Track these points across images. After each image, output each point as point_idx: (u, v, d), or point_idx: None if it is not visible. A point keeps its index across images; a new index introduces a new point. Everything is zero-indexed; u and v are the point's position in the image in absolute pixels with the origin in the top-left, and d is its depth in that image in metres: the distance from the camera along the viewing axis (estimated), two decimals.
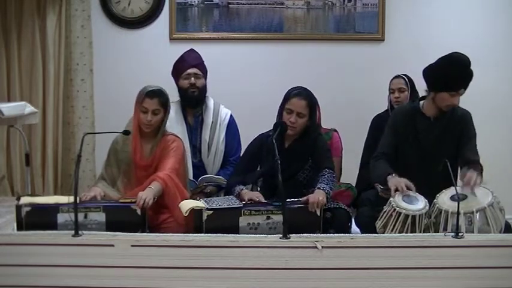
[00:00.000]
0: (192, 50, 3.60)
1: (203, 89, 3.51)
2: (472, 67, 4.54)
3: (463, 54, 2.95)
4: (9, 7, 4.49)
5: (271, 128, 3.03)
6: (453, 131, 2.96)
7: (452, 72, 2.91)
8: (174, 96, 3.50)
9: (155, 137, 3.07)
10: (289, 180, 2.88)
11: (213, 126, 3.52)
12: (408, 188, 2.78)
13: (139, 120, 3.03)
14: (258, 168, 3.10)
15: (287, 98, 3.01)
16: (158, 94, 3.02)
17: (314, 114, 3.06)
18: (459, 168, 2.94)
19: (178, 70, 3.52)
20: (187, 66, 3.48)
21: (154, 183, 2.86)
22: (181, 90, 3.50)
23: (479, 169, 2.83)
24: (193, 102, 3.50)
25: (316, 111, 3.13)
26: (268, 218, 2.69)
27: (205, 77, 3.53)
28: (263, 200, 2.80)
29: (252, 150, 3.12)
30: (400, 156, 3.04)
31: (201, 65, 3.52)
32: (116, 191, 3.03)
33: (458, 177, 2.89)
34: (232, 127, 3.57)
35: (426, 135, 2.98)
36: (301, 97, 2.98)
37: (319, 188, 2.80)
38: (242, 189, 2.92)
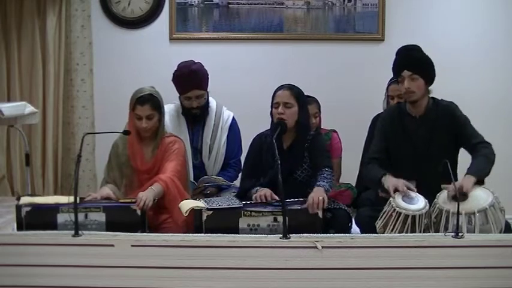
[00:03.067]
0: (191, 69, 3.39)
1: (205, 106, 3.46)
2: (471, 67, 4.55)
3: (413, 44, 3.04)
4: (9, 7, 4.49)
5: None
6: (441, 126, 2.95)
7: (395, 59, 3.01)
8: (175, 97, 3.50)
9: (155, 139, 3.05)
10: (287, 179, 2.87)
11: (215, 128, 3.50)
12: (408, 188, 2.78)
13: (136, 126, 3.01)
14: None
15: (273, 95, 3.03)
16: (148, 99, 2.97)
17: (304, 106, 3.04)
18: (471, 157, 2.92)
19: (178, 88, 3.43)
20: (188, 89, 3.38)
21: (155, 184, 2.86)
22: (183, 107, 3.45)
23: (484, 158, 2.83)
24: (195, 119, 3.47)
25: (306, 104, 3.11)
26: (268, 218, 2.69)
27: (206, 88, 3.46)
28: (275, 197, 2.79)
29: (253, 150, 3.11)
30: (394, 158, 3.03)
31: (201, 84, 3.41)
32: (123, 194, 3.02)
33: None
34: (234, 130, 3.55)
35: (416, 135, 2.98)
36: (284, 88, 3.01)
37: (318, 186, 2.80)
38: (257, 189, 2.90)
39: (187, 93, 3.39)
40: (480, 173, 2.78)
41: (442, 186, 2.73)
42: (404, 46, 3.02)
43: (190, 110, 3.43)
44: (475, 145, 2.89)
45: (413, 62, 2.94)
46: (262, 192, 2.82)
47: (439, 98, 3.03)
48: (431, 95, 3.02)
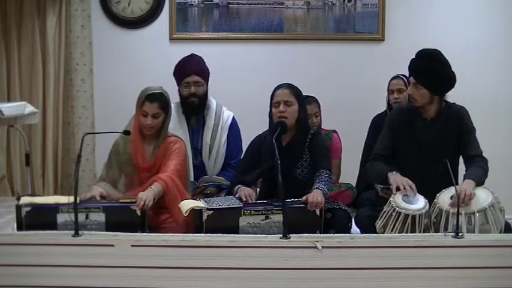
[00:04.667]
0: (192, 55, 3.52)
1: (204, 97, 3.46)
2: (471, 67, 4.54)
3: (435, 50, 2.95)
4: (9, 7, 4.49)
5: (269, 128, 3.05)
6: (450, 130, 2.95)
7: (410, 60, 2.97)
8: (176, 96, 3.50)
9: (157, 138, 3.06)
10: (287, 177, 2.87)
11: (215, 128, 3.49)
12: (410, 189, 2.78)
13: (140, 123, 3.02)
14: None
15: (272, 95, 3.04)
16: (158, 97, 2.99)
17: (303, 104, 3.05)
18: (465, 167, 2.93)
19: (178, 76, 3.47)
20: (187, 74, 3.41)
21: (155, 184, 2.86)
22: (181, 98, 3.47)
23: (479, 172, 2.82)
24: (194, 110, 3.47)
25: (304, 103, 3.11)
26: (268, 218, 2.69)
27: (206, 81, 3.48)
28: (253, 198, 2.82)
29: (251, 151, 3.12)
30: (399, 156, 3.04)
31: (201, 72, 3.45)
32: (118, 191, 3.02)
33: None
34: (234, 130, 3.55)
35: (424, 135, 2.98)
36: (284, 87, 3.02)
37: (317, 188, 2.80)
38: (239, 188, 2.92)
39: (186, 77, 3.40)
40: (478, 179, 2.79)
41: (451, 202, 2.71)
42: (422, 51, 2.95)
43: (187, 98, 3.43)
44: (472, 157, 2.90)
45: (419, 72, 2.92)
46: (246, 193, 2.83)
47: (451, 102, 3.02)
48: (445, 98, 3.02)
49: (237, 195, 2.87)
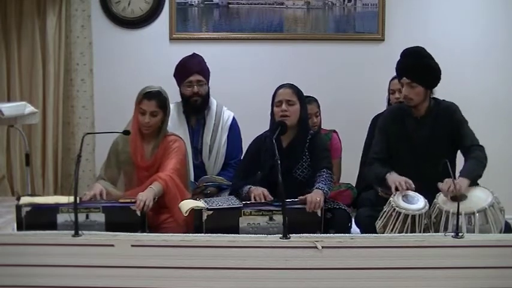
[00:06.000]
0: (194, 54, 3.54)
1: (206, 96, 3.47)
2: (471, 67, 4.53)
3: (418, 47, 2.99)
4: (9, 7, 4.49)
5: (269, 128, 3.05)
6: (441, 126, 2.96)
7: (397, 62, 3.00)
8: (176, 97, 3.50)
9: (156, 137, 3.06)
10: (286, 177, 2.87)
11: (215, 128, 3.50)
12: (408, 187, 2.78)
13: (139, 121, 3.03)
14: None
15: (274, 95, 3.05)
16: (156, 96, 3.00)
17: (304, 105, 3.06)
18: (464, 159, 2.94)
19: (180, 76, 3.47)
20: (189, 73, 3.42)
21: (155, 183, 2.86)
22: (183, 98, 3.47)
23: (476, 164, 2.83)
24: (196, 110, 3.47)
25: (306, 103, 3.12)
26: (268, 218, 2.69)
27: (208, 81, 3.49)
28: (269, 197, 2.80)
29: (251, 152, 3.12)
30: (394, 157, 3.04)
31: (203, 71, 3.47)
32: (117, 189, 3.03)
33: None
34: (234, 130, 3.55)
35: (416, 135, 2.99)
36: (286, 87, 3.04)
37: (317, 188, 2.80)
38: (250, 188, 2.90)
39: (189, 76, 3.41)
40: (472, 175, 2.79)
41: (438, 184, 2.73)
42: (407, 50, 2.99)
43: (190, 98, 3.43)
44: (468, 147, 2.91)
45: (411, 70, 2.94)
46: (260, 191, 2.82)
47: (441, 99, 3.04)
48: (433, 95, 3.03)
49: (252, 195, 2.84)
